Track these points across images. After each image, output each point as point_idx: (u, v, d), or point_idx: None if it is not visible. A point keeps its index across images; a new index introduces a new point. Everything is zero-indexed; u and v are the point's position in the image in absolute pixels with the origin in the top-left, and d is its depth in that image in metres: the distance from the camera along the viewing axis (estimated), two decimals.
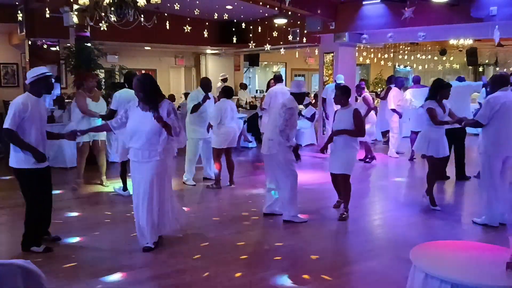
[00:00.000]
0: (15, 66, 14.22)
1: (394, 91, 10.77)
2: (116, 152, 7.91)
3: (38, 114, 4.76)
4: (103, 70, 12.32)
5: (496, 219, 5.71)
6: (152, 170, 4.75)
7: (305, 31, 11.83)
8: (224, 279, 4.27)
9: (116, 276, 4.31)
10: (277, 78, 9.46)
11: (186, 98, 12.45)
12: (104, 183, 7.81)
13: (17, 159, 4.69)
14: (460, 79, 9.30)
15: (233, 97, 16.33)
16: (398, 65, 21.58)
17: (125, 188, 7.16)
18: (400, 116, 10.67)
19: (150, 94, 4.73)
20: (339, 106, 6.31)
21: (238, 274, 4.36)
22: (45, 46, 12.96)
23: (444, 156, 6.54)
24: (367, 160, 10.10)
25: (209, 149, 7.97)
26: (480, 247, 3.10)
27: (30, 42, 12.55)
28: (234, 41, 10.93)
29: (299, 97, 5.92)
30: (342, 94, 6.06)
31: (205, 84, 7.95)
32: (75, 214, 6.33)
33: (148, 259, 4.71)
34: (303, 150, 11.72)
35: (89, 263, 4.65)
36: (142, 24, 8.25)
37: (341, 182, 6.15)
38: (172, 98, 13.74)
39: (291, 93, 5.93)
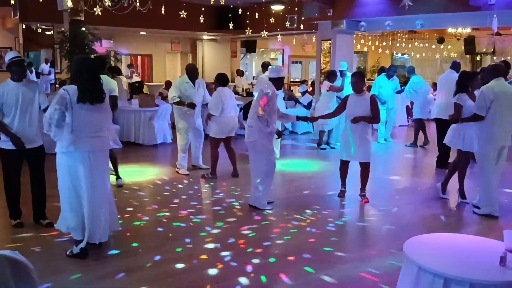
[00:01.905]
0: (8, 50, 14.07)
1: (381, 77, 10.87)
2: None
3: (17, 98, 4.84)
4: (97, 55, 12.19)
5: (496, 209, 5.68)
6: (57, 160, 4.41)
7: (303, 18, 11.73)
8: (211, 271, 4.24)
9: (104, 267, 4.29)
10: (265, 66, 9.36)
11: None
12: None
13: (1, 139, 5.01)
14: (455, 65, 8.66)
15: (230, 83, 16.38)
16: (396, 53, 21.48)
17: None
18: (382, 103, 10.69)
19: (70, 77, 4.58)
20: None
21: (229, 264, 4.34)
22: (39, 30, 12.83)
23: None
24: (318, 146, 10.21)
25: (198, 137, 7.84)
26: (474, 240, 3.07)
27: (24, 26, 12.42)
28: (231, 27, 10.81)
29: (277, 82, 5.88)
30: (361, 79, 6.14)
31: (191, 71, 7.59)
32: None
33: (134, 250, 4.67)
34: (299, 138, 11.70)
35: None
36: (137, 9, 8.15)
37: (363, 169, 6.29)
38: (168, 84, 13.62)
39: (269, 79, 5.92)
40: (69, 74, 4.62)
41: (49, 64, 14.64)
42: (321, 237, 5.07)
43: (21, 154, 4.98)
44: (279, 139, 8.24)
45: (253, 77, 20.73)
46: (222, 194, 6.69)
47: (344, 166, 6.42)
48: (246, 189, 6.62)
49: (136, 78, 15.94)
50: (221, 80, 7.42)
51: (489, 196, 5.71)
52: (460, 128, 6.15)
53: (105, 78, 6.72)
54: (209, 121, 7.45)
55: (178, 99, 7.46)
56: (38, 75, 14.65)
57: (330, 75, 10.19)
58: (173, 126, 11.60)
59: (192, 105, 7.39)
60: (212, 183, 7.24)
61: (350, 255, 4.66)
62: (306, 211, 5.90)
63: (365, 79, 6.29)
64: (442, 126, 8.06)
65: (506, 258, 2.63)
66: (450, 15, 9.93)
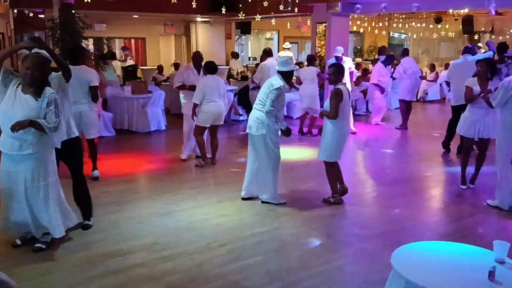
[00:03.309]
0: (1, 36, 13.87)
1: (378, 66, 10.72)
2: None
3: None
4: (92, 40, 12.01)
5: (505, 202, 5.61)
6: (26, 164, 4.24)
7: (297, 0, 11.52)
8: (206, 267, 4.21)
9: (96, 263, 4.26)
10: (267, 53, 9.26)
11: (175, 69, 12.20)
12: None
13: None
14: (469, 49, 8.44)
15: (225, 66, 16.20)
16: (393, 32, 21.24)
17: None
18: (382, 91, 10.65)
19: (42, 75, 4.23)
20: None
21: (220, 261, 4.30)
22: (31, 14, 12.65)
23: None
24: (308, 133, 10.08)
25: None
26: (465, 250, 3.01)
27: (15, 11, 12.24)
28: (223, 11, 10.61)
29: (287, 75, 5.71)
30: (334, 73, 5.71)
31: (195, 58, 7.71)
32: None
33: (124, 248, 4.64)
34: (293, 123, 11.58)
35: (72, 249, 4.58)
36: None
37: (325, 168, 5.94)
38: (160, 69, 13.47)
39: (278, 71, 5.73)
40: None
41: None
42: (311, 230, 5.02)
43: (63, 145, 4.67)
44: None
45: (249, 58, 20.53)
46: (214, 185, 6.65)
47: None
48: (237, 180, 6.56)
49: (130, 62, 15.74)
50: (207, 68, 7.33)
51: (501, 188, 5.64)
52: (474, 118, 6.04)
53: (81, 68, 6.49)
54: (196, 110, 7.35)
55: (181, 83, 7.61)
56: None
57: (311, 60, 10.08)
58: (167, 112, 11.54)
59: (193, 87, 7.39)
60: (205, 172, 7.21)
61: (343, 247, 4.63)
62: (294, 203, 5.85)
63: (343, 71, 5.86)
64: (459, 112, 8.06)
65: (494, 272, 2.58)
66: None
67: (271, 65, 8.99)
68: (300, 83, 10.04)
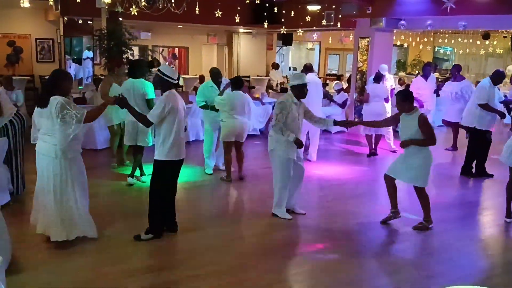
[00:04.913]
0: (51, 42, 14.43)
1: (417, 79, 10.66)
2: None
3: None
4: (136, 47, 12.29)
5: None
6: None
7: (340, 16, 11.47)
8: (220, 280, 4.24)
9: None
10: (307, 68, 9.20)
11: None
12: (125, 162, 8.15)
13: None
14: (498, 74, 8.05)
15: (265, 77, 16.28)
16: (438, 47, 20.78)
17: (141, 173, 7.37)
18: (421, 106, 10.26)
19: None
20: None
21: (249, 285, 4.32)
22: (80, 21, 13.15)
23: None
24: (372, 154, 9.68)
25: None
26: None
27: (65, 18, 12.74)
28: (265, 26, 10.67)
29: (297, 89, 5.66)
30: (404, 100, 5.52)
31: (214, 75, 7.72)
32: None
33: (158, 264, 4.73)
34: (331, 138, 11.51)
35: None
36: (173, 11, 8.16)
37: (417, 194, 5.72)
38: (202, 79, 13.65)
39: (290, 87, 5.75)
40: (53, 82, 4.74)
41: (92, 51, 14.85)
42: (341, 258, 4.95)
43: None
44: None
45: (289, 68, 20.57)
46: (245, 201, 6.70)
47: (387, 181, 5.75)
48: (269, 195, 6.57)
49: None
50: (234, 84, 7.38)
51: None
52: None
53: (140, 81, 6.85)
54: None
55: (204, 103, 7.67)
56: (80, 61, 14.90)
57: (378, 78, 9.74)
58: None
59: (215, 109, 7.45)
60: (236, 187, 7.32)
61: (368, 284, 4.54)
62: (336, 224, 5.78)
63: (412, 97, 5.53)
64: (477, 135, 7.90)
65: None
66: (496, 17, 9.50)
67: (310, 81, 8.87)
68: (367, 100, 9.73)
